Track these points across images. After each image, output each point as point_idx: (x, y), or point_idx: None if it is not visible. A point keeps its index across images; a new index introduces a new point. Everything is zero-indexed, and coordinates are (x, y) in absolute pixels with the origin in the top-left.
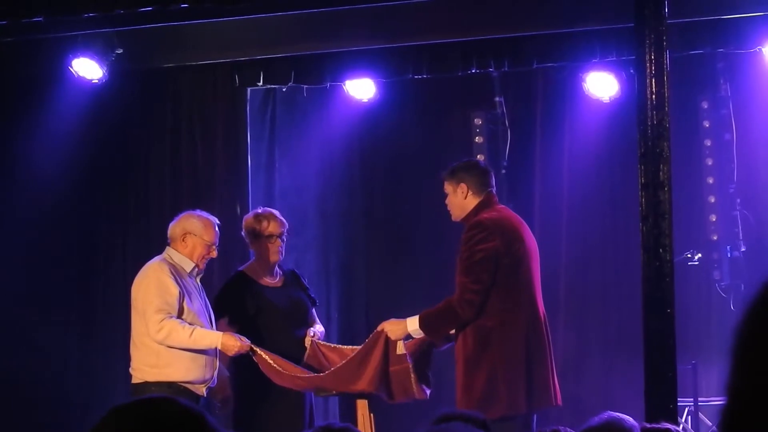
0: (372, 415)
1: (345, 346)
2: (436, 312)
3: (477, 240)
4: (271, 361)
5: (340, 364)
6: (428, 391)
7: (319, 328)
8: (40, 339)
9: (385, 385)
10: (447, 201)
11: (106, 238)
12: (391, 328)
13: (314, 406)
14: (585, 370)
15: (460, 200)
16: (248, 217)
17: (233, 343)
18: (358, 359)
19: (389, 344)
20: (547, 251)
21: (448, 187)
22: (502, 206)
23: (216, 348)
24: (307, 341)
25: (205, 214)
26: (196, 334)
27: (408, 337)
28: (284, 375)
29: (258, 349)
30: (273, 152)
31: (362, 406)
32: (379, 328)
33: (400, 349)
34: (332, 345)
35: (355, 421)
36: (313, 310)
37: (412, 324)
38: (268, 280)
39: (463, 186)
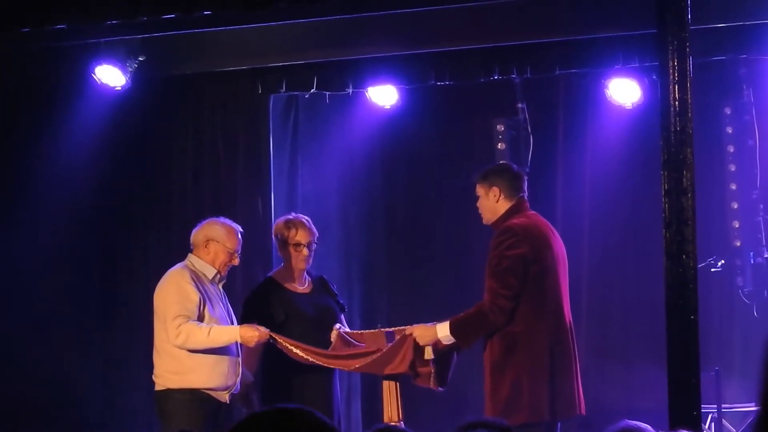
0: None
1: (371, 331)
2: (468, 318)
3: (506, 245)
4: (292, 347)
5: (365, 363)
6: (441, 389)
7: (345, 328)
8: (61, 344)
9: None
10: (478, 204)
11: (128, 244)
12: (421, 333)
13: (341, 414)
14: (607, 377)
15: (492, 204)
16: (279, 222)
17: (251, 333)
18: (383, 360)
19: (417, 348)
20: (569, 258)
21: (480, 190)
22: (533, 212)
23: (238, 354)
24: (333, 335)
25: (228, 221)
26: (213, 332)
27: (437, 342)
28: (308, 351)
29: (277, 337)
30: (295, 159)
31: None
32: (407, 332)
33: (429, 354)
34: (358, 331)
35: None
36: (342, 317)
37: (443, 330)
38: (296, 287)
39: (496, 189)
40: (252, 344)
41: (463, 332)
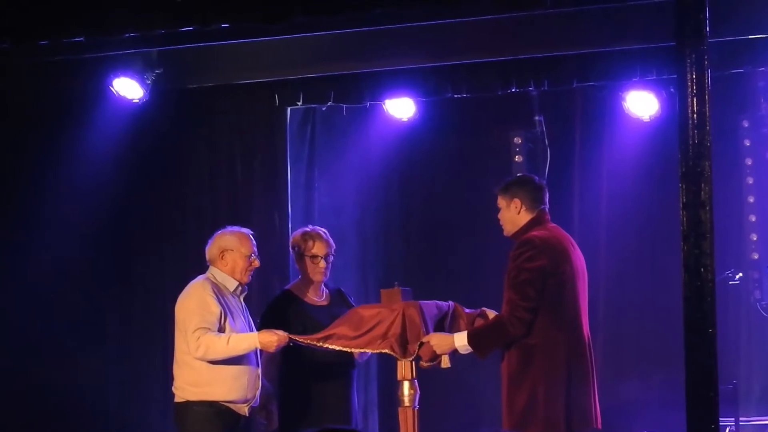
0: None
1: (388, 289)
2: (486, 329)
3: (525, 258)
4: (313, 341)
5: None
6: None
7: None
8: (77, 357)
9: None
10: (500, 215)
11: (145, 257)
12: (438, 342)
13: (359, 426)
14: (624, 390)
15: (513, 215)
16: (296, 235)
17: (271, 338)
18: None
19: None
20: (586, 270)
21: (501, 202)
22: (554, 225)
23: (258, 365)
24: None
25: (236, 227)
26: (232, 340)
27: (454, 352)
28: (332, 338)
29: (297, 337)
30: (312, 171)
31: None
32: (424, 340)
33: (446, 362)
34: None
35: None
36: None
37: (460, 340)
38: (314, 299)
39: (517, 201)
40: (272, 349)
41: (481, 343)
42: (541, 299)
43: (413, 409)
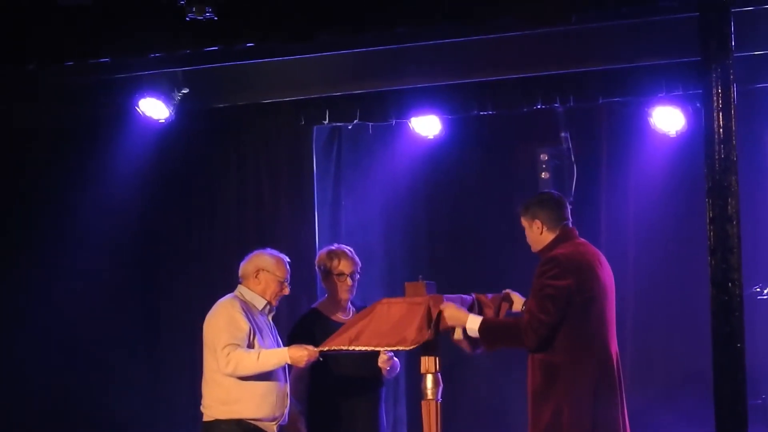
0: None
1: (412, 282)
2: (502, 326)
3: (550, 276)
4: (344, 346)
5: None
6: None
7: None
8: (105, 375)
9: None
10: (526, 234)
11: (172, 277)
12: (450, 313)
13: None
14: (652, 404)
15: (537, 235)
16: (322, 253)
17: (301, 353)
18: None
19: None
20: (615, 286)
21: (524, 222)
22: (582, 241)
23: (286, 383)
24: (382, 359)
25: (275, 251)
26: (263, 356)
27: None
28: (358, 339)
29: (326, 347)
30: (339, 190)
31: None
32: (441, 307)
33: (458, 335)
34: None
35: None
36: None
37: (473, 322)
38: (341, 317)
39: (538, 222)
40: (302, 364)
41: (491, 336)
42: (566, 318)
43: (436, 402)
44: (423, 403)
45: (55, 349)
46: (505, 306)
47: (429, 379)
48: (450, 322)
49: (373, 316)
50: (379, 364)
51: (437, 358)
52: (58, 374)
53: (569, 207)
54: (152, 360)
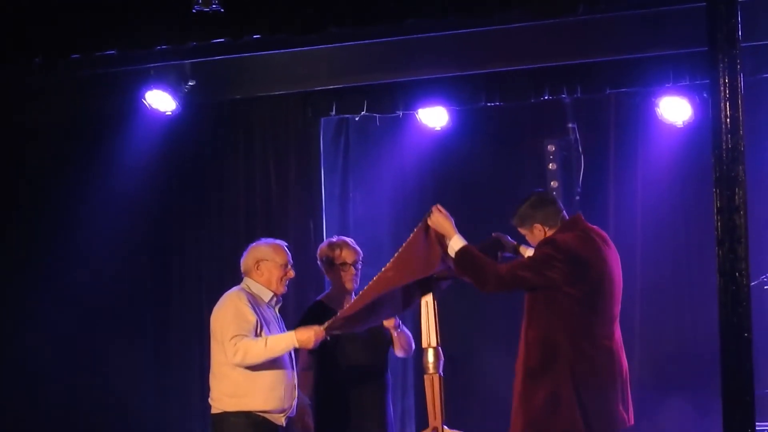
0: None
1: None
2: (478, 259)
3: (544, 255)
4: (347, 320)
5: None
6: None
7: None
8: (114, 369)
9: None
10: (528, 241)
11: (180, 270)
12: (438, 219)
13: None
14: (660, 394)
15: (542, 237)
16: (323, 246)
17: (308, 334)
18: (414, 257)
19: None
20: (622, 277)
21: (523, 232)
22: (587, 227)
23: (294, 376)
24: (389, 323)
25: (270, 239)
26: (270, 342)
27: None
28: (360, 304)
29: (331, 323)
30: (347, 182)
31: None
32: (432, 209)
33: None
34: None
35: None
36: (395, 331)
37: (456, 243)
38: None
39: (538, 226)
40: (311, 345)
41: (464, 261)
42: (560, 300)
43: (439, 376)
44: (426, 377)
45: (65, 340)
46: (524, 250)
47: (430, 353)
48: (432, 223)
49: (377, 280)
50: (385, 323)
51: (437, 330)
52: (67, 364)
53: (556, 198)
54: (161, 352)
